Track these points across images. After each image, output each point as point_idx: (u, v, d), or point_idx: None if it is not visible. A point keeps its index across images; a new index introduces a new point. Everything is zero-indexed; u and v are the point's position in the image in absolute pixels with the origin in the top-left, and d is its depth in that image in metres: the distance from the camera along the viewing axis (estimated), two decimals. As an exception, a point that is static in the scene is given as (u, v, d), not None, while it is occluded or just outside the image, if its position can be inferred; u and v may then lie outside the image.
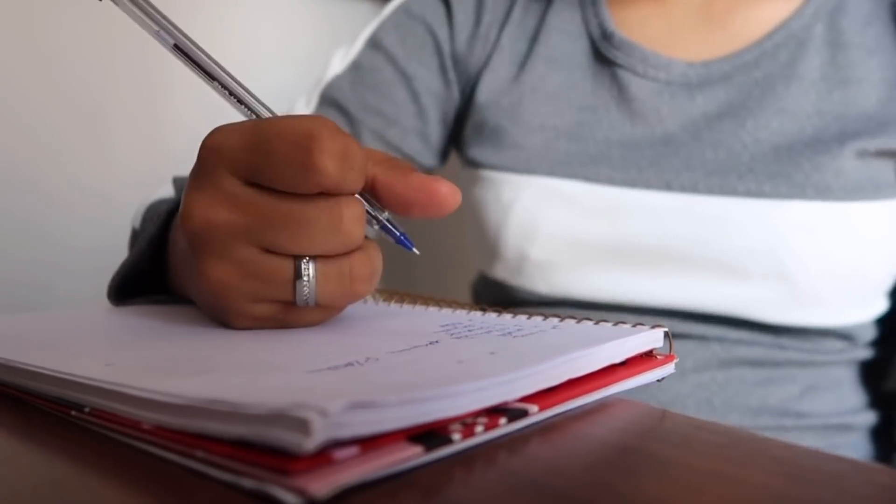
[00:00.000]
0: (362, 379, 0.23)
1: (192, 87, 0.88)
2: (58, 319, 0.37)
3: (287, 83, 0.86)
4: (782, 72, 0.57)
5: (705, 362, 0.57)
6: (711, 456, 0.23)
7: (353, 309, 0.38)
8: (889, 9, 0.58)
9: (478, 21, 0.66)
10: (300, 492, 0.18)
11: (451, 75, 0.66)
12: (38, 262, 0.76)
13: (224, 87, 0.32)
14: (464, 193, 0.67)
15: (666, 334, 0.31)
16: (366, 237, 0.32)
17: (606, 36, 0.61)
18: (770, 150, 0.55)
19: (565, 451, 0.23)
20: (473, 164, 0.64)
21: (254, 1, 0.88)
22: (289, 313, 0.32)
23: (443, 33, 0.66)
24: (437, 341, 0.29)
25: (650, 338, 0.31)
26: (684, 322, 0.57)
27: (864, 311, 0.59)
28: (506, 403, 0.24)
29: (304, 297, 0.31)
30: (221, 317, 0.33)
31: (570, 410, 0.27)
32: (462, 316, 0.36)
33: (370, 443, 0.19)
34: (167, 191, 0.52)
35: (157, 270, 0.42)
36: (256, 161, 0.29)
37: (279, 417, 0.18)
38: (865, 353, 0.61)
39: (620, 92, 0.60)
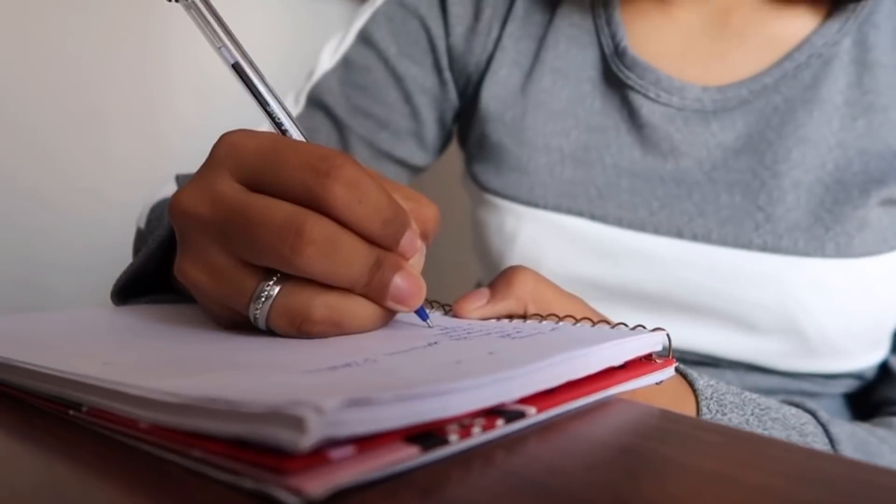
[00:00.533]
0: (360, 379, 0.23)
1: (191, 89, 0.88)
2: (57, 319, 0.37)
3: (274, 76, 0.86)
4: (803, 95, 0.53)
5: None
6: (711, 456, 0.23)
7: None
8: None
9: (477, 15, 0.62)
10: (296, 491, 0.18)
11: (447, 74, 0.63)
12: (38, 262, 0.76)
13: (271, 117, 0.33)
14: (468, 204, 0.66)
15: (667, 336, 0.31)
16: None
17: (619, 52, 0.57)
18: (790, 189, 0.52)
19: (565, 451, 0.23)
20: (477, 184, 0.62)
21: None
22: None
23: (437, 28, 0.62)
24: (435, 343, 0.29)
25: (649, 341, 0.31)
26: (693, 367, 0.56)
27: (878, 353, 0.57)
28: (504, 405, 0.24)
29: (255, 318, 0.30)
30: (206, 314, 0.33)
31: (570, 411, 0.26)
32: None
33: (367, 443, 0.19)
34: (171, 189, 0.52)
35: (163, 270, 0.42)
36: (261, 169, 0.29)
37: (275, 415, 0.18)
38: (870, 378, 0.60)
39: (631, 115, 0.57)
